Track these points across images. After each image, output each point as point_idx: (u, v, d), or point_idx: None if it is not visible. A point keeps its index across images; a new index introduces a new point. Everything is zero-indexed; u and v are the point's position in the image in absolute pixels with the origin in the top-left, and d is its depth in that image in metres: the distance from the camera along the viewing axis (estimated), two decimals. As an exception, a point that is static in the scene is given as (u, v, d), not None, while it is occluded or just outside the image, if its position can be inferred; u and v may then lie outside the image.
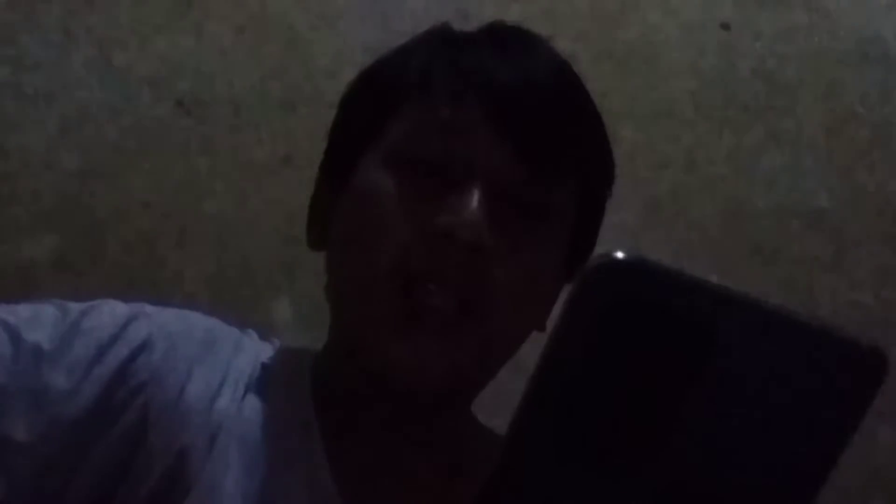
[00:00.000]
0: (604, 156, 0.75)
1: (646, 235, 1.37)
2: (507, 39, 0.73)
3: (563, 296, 0.71)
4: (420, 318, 0.66)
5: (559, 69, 0.72)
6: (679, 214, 1.40)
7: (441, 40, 0.74)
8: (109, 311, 0.69)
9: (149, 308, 0.71)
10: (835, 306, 1.38)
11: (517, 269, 0.67)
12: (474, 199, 0.66)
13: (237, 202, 1.37)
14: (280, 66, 1.40)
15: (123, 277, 1.32)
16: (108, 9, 1.39)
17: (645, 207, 1.39)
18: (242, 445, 0.68)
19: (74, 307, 0.69)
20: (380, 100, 0.72)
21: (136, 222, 1.35)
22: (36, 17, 1.38)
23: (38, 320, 0.67)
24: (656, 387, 0.37)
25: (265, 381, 0.72)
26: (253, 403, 0.70)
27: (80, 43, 1.39)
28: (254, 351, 0.74)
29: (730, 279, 1.22)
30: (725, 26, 1.45)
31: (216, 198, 1.36)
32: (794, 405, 0.38)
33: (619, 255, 0.36)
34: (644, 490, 0.38)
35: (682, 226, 1.39)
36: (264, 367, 0.73)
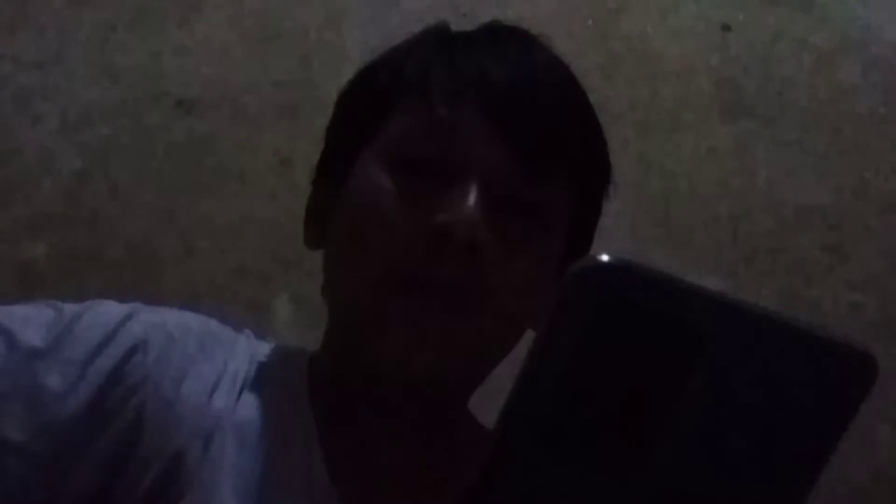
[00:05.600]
0: (600, 155, 0.75)
1: (645, 236, 1.37)
2: (504, 39, 0.73)
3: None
4: (417, 314, 0.66)
5: (556, 68, 0.72)
6: (678, 215, 1.40)
7: (438, 39, 0.74)
8: (104, 312, 0.69)
9: (144, 308, 0.71)
10: (834, 307, 1.38)
11: (513, 267, 0.68)
12: (471, 197, 0.66)
13: (237, 202, 1.37)
14: (280, 67, 1.41)
15: (123, 278, 1.32)
16: (108, 8, 1.39)
17: (644, 208, 1.39)
18: (239, 444, 0.68)
19: (69, 307, 0.69)
20: (377, 99, 0.72)
21: (136, 223, 1.35)
22: (36, 17, 1.38)
23: (32, 321, 0.67)
24: (641, 388, 0.37)
25: (261, 380, 0.72)
26: (249, 402, 0.70)
27: (80, 43, 1.39)
28: (250, 350, 0.74)
29: (729, 280, 1.22)
30: (726, 27, 1.45)
31: (216, 198, 1.37)
32: (783, 407, 0.38)
33: (605, 257, 0.36)
34: (630, 490, 0.39)
35: (681, 226, 1.39)
36: (260, 366, 0.73)
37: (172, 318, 0.72)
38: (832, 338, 0.38)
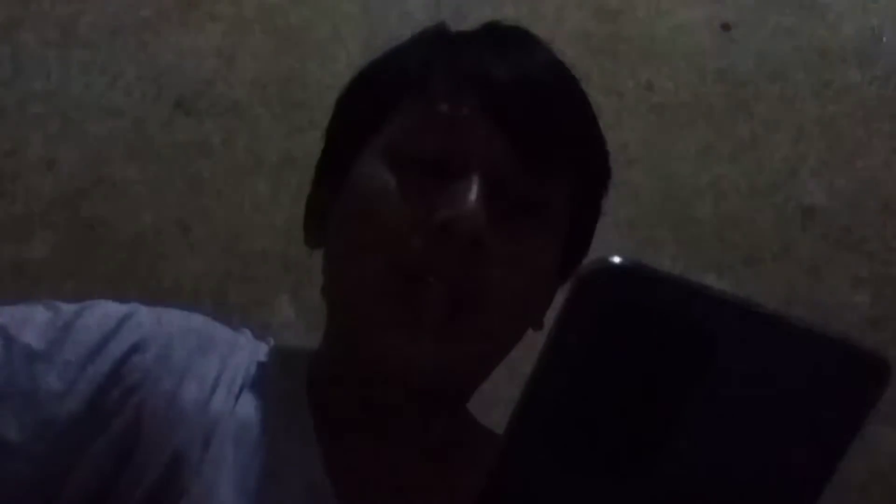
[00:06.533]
0: (600, 154, 0.75)
1: (645, 236, 1.37)
2: (503, 37, 0.73)
3: (560, 295, 0.72)
4: (419, 312, 0.66)
5: (556, 67, 0.73)
6: (679, 214, 1.40)
7: (438, 39, 0.75)
8: (102, 312, 0.69)
9: (142, 308, 0.71)
10: (835, 307, 1.37)
11: (515, 264, 0.67)
12: (473, 193, 0.66)
13: (237, 202, 1.37)
14: (280, 66, 1.41)
15: (123, 277, 1.32)
16: (108, 8, 1.39)
17: (644, 208, 1.39)
18: (238, 445, 0.68)
19: (67, 308, 0.69)
20: (377, 98, 0.72)
21: (136, 222, 1.35)
22: (36, 17, 1.38)
23: (30, 321, 0.67)
24: (653, 391, 0.37)
25: (260, 381, 0.72)
26: (248, 403, 0.70)
27: (80, 43, 1.39)
28: (248, 350, 0.73)
29: (729, 279, 1.22)
30: (725, 26, 1.45)
31: (216, 198, 1.37)
32: (793, 410, 0.38)
33: (616, 259, 0.36)
34: (641, 493, 0.38)
35: (681, 226, 1.39)
36: (259, 366, 0.73)
37: (172, 319, 0.71)
38: (845, 341, 0.37)
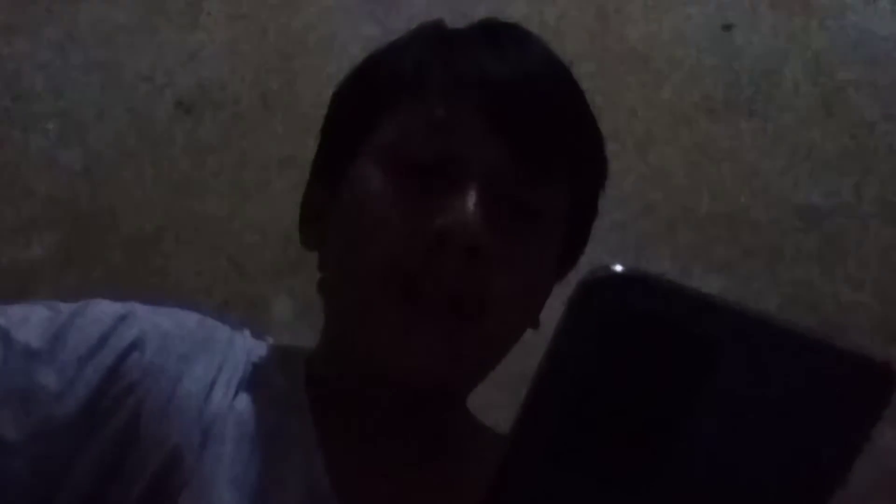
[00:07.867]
0: (598, 154, 0.74)
1: (645, 236, 1.37)
2: (500, 36, 0.73)
3: (555, 292, 0.72)
4: (418, 317, 0.65)
5: (553, 66, 0.72)
6: (679, 215, 1.40)
7: (434, 37, 0.74)
8: (101, 311, 0.69)
9: (140, 307, 0.71)
10: (835, 307, 1.37)
11: (513, 269, 0.67)
12: (471, 200, 0.65)
13: (237, 202, 1.37)
14: (280, 66, 1.41)
15: (123, 277, 1.32)
16: (108, 8, 1.40)
17: (644, 208, 1.39)
18: (236, 443, 0.68)
19: (65, 307, 0.69)
20: (373, 98, 0.71)
21: (136, 222, 1.35)
22: (36, 17, 1.39)
23: (28, 320, 0.67)
24: (656, 398, 0.37)
25: (258, 379, 0.71)
26: (246, 401, 0.70)
27: (80, 43, 1.39)
28: (247, 349, 0.73)
29: (729, 280, 1.22)
30: (726, 27, 1.45)
31: (216, 198, 1.37)
32: (799, 420, 0.38)
33: (618, 268, 0.36)
34: (643, 500, 0.38)
35: (681, 227, 1.39)
36: (258, 364, 0.72)
37: (169, 317, 0.71)
38: (850, 348, 0.37)
